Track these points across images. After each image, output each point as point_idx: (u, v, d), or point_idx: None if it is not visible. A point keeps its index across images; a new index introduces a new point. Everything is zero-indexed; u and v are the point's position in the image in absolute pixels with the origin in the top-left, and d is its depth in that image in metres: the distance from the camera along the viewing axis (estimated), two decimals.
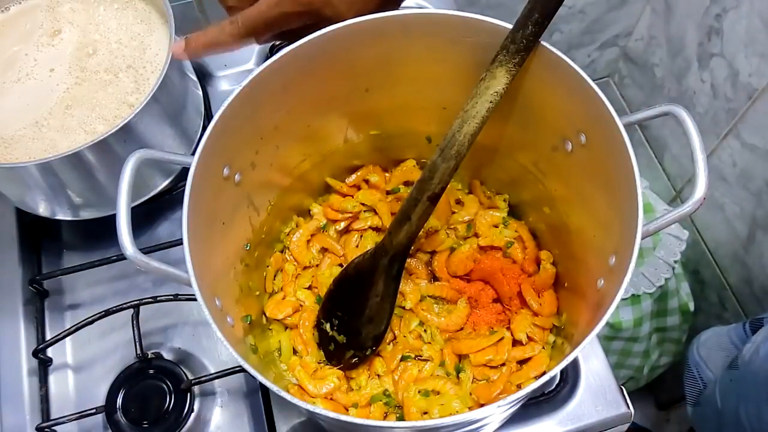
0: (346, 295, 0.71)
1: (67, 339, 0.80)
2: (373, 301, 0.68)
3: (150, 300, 0.78)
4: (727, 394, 0.90)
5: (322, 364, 0.71)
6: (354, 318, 0.69)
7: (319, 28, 0.61)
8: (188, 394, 0.75)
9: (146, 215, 0.87)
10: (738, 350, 0.91)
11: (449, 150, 0.59)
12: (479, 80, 0.58)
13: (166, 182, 0.82)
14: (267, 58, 0.73)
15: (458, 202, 0.80)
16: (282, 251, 0.78)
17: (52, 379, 0.79)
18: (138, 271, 0.66)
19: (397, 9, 0.69)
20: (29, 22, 0.82)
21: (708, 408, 0.96)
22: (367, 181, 0.81)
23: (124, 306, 0.77)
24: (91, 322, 0.77)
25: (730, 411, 0.87)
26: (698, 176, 0.54)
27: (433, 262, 0.77)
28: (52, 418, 0.75)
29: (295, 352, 0.72)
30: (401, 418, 0.67)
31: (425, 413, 0.67)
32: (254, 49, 1.00)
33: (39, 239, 0.88)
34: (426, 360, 0.71)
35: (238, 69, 0.99)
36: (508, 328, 0.72)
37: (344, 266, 0.72)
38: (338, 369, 0.70)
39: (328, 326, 0.71)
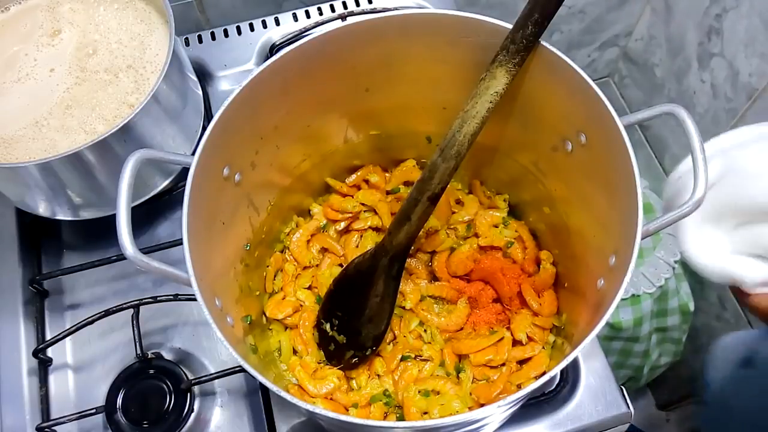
0: (346, 295, 0.71)
1: (67, 339, 0.80)
2: (373, 301, 0.68)
3: (150, 300, 0.78)
4: (738, 392, 0.90)
5: (322, 364, 0.71)
6: (354, 318, 0.69)
7: None
8: (188, 394, 0.75)
9: (146, 215, 0.87)
10: (751, 351, 0.91)
11: (449, 150, 0.59)
12: (479, 80, 0.58)
13: (166, 182, 0.82)
14: (267, 58, 0.73)
15: (458, 202, 0.80)
16: (282, 251, 0.78)
17: (52, 379, 0.79)
18: (138, 271, 0.66)
19: None
20: (29, 22, 0.82)
21: (713, 408, 0.96)
22: (367, 181, 0.81)
23: (124, 306, 0.77)
24: (91, 322, 0.77)
25: (742, 409, 0.87)
26: (698, 176, 0.54)
27: (433, 262, 0.77)
28: (52, 418, 0.75)
29: (295, 352, 0.72)
30: (401, 418, 0.67)
31: (425, 413, 0.67)
32: (254, 49, 1.00)
33: (39, 239, 0.88)
34: (426, 360, 0.71)
35: (238, 69, 0.99)
36: (508, 328, 0.72)
37: (344, 266, 0.72)
38: (338, 369, 0.70)
39: (328, 326, 0.71)
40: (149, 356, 0.77)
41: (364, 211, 0.79)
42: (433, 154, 0.60)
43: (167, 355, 0.79)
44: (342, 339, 0.70)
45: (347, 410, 0.68)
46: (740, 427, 0.86)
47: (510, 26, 0.58)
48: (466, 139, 0.58)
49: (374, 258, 0.67)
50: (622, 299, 1.18)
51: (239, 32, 1.01)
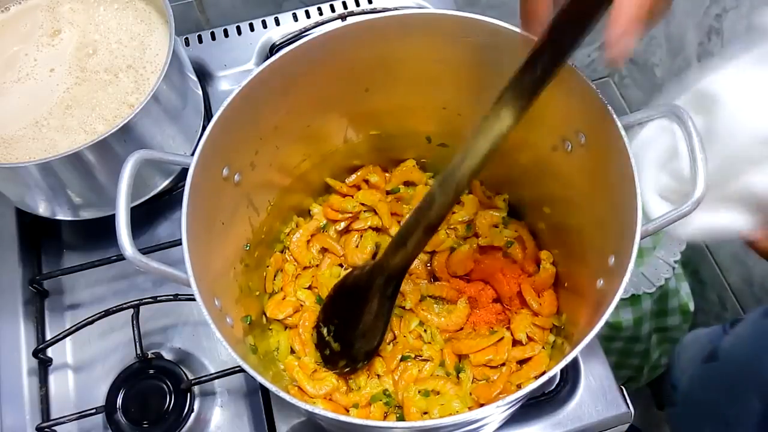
0: (343, 305, 0.70)
1: (67, 339, 0.80)
2: (367, 317, 0.68)
3: (150, 300, 0.78)
4: (705, 386, 0.90)
5: (320, 365, 0.71)
6: (348, 329, 0.69)
7: None
8: (188, 394, 0.75)
9: (146, 215, 0.87)
10: (714, 346, 0.91)
11: (448, 184, 0.58)
12: (484, 117, 0.56)
13: (166, 182, 0.82)
14: (267, 58, 0.73)
15: (458, 202, 0.80)
16: (282, 251, 0.78)
17: (52, 379, 0.79)
18: (138, 271, 0.66)
19: None
20: (29, 22, 0.82)
21: (682, 406, 0.96)
22: (367, 181, 0.81)
23: (124, 306, 0.77)
24: (91, 322, 0.77)
25: (710, 403, 0.87)
26: (698, 176, 0.54)
27: (433, 262, 0.77)
28: (52, 418, 0.75)
29: (293, 351, 0.72)
30: (401, 418, 0.67)
31: (425, 413, 0.67)
32: (254, 49, 1.00)
33: (39, 239, 0.88)
34: (426, 360, 0.71)
35: (238, 69, 0.99)
36: (508, 328, 0.72)
37: (345, 270, 0.72)
38: (334, 373, 0.70)
39: (325, 330, 0.71)
40: (149, 356, 0.77)
41: (364, 211, 0.79)
42: (433, 185, 0.59)
43: (167, 355, 0.79)
44: (336, 346, 0.69)
45: (347, 411, 0.68)
46: (710, 423, 0.86)
47: (509, 26, 0.58)
48: (465, 176, 0.57)
49: (371, 275, 0.67)
50: (622, 299, 1.18)
51: (239, 32, 1.01)
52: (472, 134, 0.57)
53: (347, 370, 0.70)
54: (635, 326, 1.31)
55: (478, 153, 0.56)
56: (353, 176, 0.81)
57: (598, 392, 0.73)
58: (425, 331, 0.73)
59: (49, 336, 0.81)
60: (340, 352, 0.69)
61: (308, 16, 1.02)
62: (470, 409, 0.67)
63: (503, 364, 0.69)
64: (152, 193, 0.81)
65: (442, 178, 0.58)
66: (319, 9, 1.03)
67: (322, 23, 1.00)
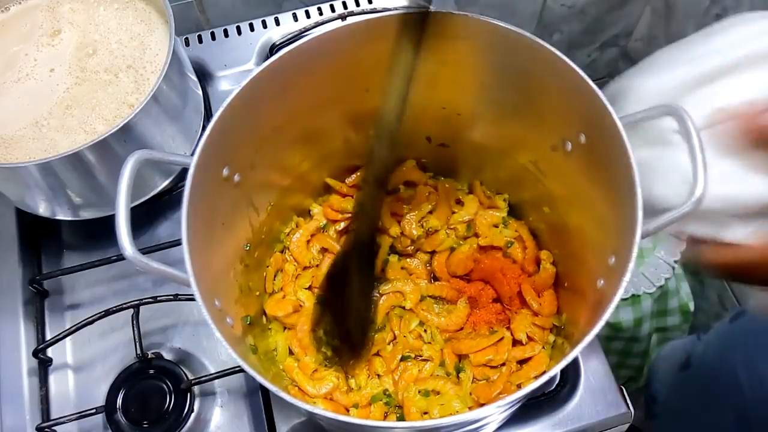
0: (332, 296, 0.70)
1: (67, 339, 0.80)
2: (355, 293, 0.69)
3: (150, 300, 0.78)
4: (681, 394, 0.90)
5: (321, 366, 0.71)
6: (345, 319, 0.69)
7: None
8: (188, 394, 0.75)
9: (146, 215, 0.87)
10: (688, 354, 0.91)
11: (381, 132, 0.60)
12: (392, 54, 0.58)
13: (166, 182, 0.82)
14: (267, 58, 0.73)
15: (458, 202, 0.80)
16: (282, 251, 0.78)
17: (52, 379, 0.79)
18: (138, 271, 0.66)
19: None
20: (29, 22, 0.82)
21: (662, 417, 0.96)
22: None
23: (124, 306, 0.77)
24: (91, 322, 0.77)
25: (687, 412, 0.87)
26: (698, 176, 0.54)
27: (433, 262, 0.77)
28: (52, 418, 0.75)
29: (292, 352, 0.72)
30: (401, 418, 0.67)
31: (425, 413, 0.67)
32: (254, 49, 1.00)
33: (39, 239, 0.88)
34: (426, 360, 0.71)
35: (238, 69, 0.99)
36: (508, 328, 0.72)
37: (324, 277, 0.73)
38: (341, 370, 0.70)
39: (322, 332, 0.71)
40: (149, 356, 0.77)
41: None
42: (370, 141, 0.61)
43: (167, 355, 0.79)
44: (336, 342, 0.69)
45: (348, 411, 0.68)
46: (688, 430, 0.86)
47: (510, 27, 0.58)
48: (393, 117, 0.59)
49: (345, 251, 0.68)
50: (622, 299, 1.18)
51: (239, 32, 1.01)
52: (386, 78, 0.58)
53: (353, 361, 0.70)
54: (635, 326, 1.31)
55: (397, 92, 0.58)
56: (353, 176, 0.81)
57: (598, 392, 0.73)
58: (425, 331, 0.73)
59: (49, 336, 0.81)
60: (342, 347, 0.69)
61: (308, 16, 1.02)
62: (470, 409, 0.67)
63: (503, 364, 0.69)
64: (152, 193, 0.81)
65: (375, 131, 0.60)
66: (319, 9, 1.03)
67: (322, 23, 1.00)
